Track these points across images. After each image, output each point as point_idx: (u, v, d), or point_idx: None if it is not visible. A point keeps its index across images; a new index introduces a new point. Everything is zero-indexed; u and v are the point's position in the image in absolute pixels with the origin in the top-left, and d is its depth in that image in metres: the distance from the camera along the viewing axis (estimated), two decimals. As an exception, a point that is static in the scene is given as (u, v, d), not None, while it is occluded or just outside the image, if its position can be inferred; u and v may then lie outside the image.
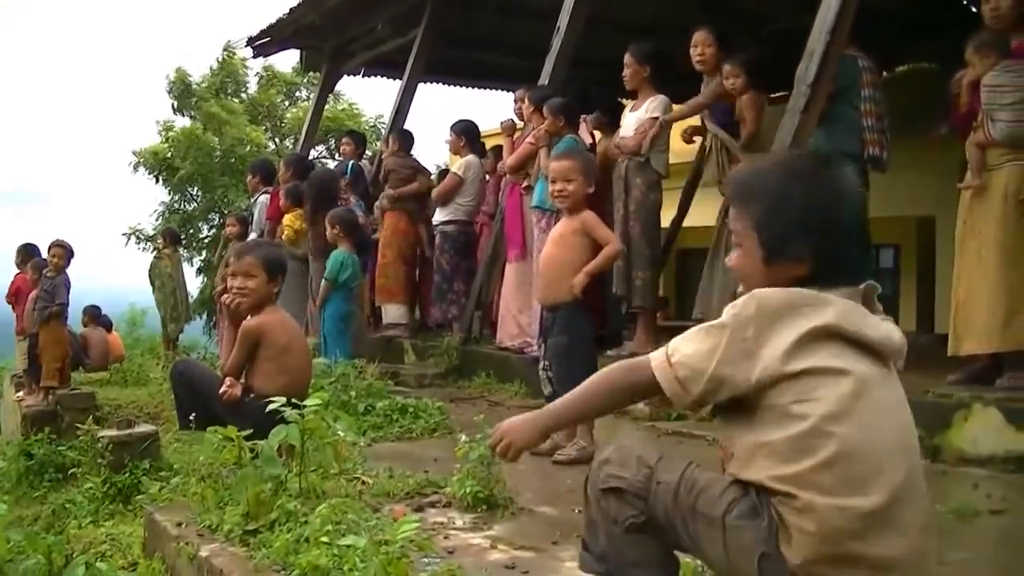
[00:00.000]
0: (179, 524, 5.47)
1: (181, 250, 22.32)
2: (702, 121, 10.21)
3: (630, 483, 3.21)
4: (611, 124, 11.15)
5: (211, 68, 34.68)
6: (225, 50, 34.40)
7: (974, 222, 7.51)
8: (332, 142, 32.66)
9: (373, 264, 13.84)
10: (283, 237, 13.11)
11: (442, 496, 5.85)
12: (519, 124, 11.91)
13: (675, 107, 10.22)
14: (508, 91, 14.63)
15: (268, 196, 15.01)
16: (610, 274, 9.47)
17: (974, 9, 11.05)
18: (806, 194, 3.08)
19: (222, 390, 6.66)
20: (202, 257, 33.25)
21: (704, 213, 12.04)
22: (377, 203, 14.01)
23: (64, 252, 13.14)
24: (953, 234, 7.72)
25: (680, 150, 10.66)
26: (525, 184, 10.96)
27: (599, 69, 14.04)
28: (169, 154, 32.35)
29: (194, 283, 31.11)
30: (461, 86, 19.47)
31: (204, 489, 5.67)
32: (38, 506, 9.00)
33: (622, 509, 3.22)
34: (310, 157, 20.30)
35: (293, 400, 5.40)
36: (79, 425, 8.59)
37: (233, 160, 31.94)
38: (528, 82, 11.69)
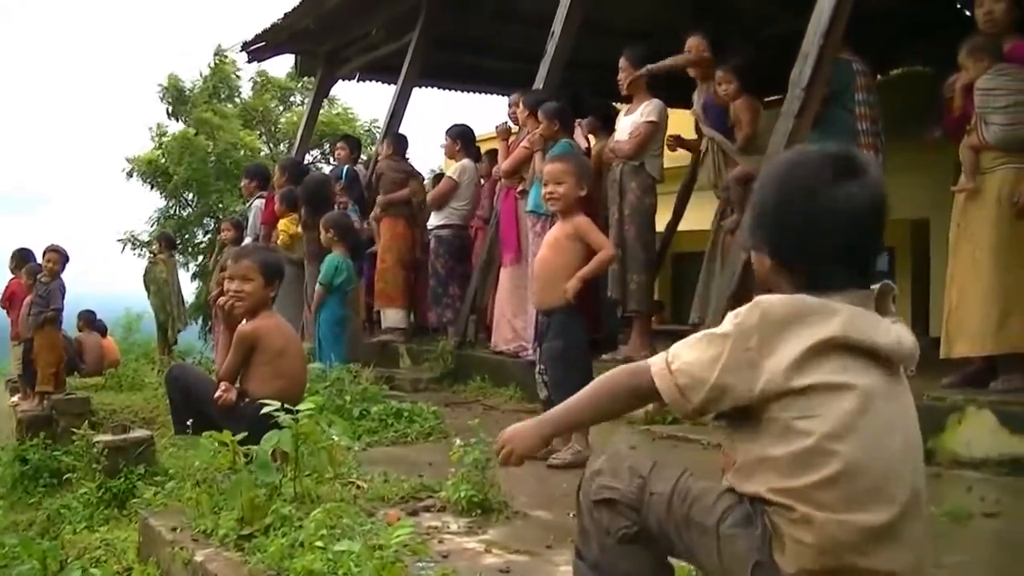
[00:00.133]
0: (174, 529, 5.46)
1: (177, 255, 22.31)
2: (696, 126, 10.20)
3: (623, 494, 3.19)
4: (604, 128, 11.16)
5: (202, 74, 34.67)
6: (217, 55, 34.39)
7: (968, 225, 7.52)
8: (327, 147, 32.65)
9: (368, 268, 13.86)
10: (278, 242, 13.11)
11: (437, 500, 5.85)
12: (514, 128, 11.92)
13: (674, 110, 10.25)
14: (503, 95, 14.67)
15: (263, 201, 15.02)
16: (605, 278, 9.48)
17: (968, 13, 11.05)
18: (805, 197, 3.02)
19: (216, 395, 6.66)
20: (198, 262, 33.20)
21: (699, 217, 12.05)
22: (372, 214, 14.01)
23: (59, 257, 13.15)
24: (947, 237, 7.73)
25: (675, 154, 10.66)
26: (520, 188, 10.97)
27: (593, 73, 14.05)
28: (163, 160, 32.30)
29: (189, 288, 31.13)
30: (456, 90, 19.49)
31: (199, 494, 5.66)
32: (33, 511, 9.00)
33: (615, 520, 3.20)
34: (305, 162, 20.30)
35: (287, 405, 5.39)
36: (74, 430, 8.59)
37: (228, 164, 31.90)
38: (523, 86, 11.71)
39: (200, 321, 29.76)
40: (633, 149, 9.77)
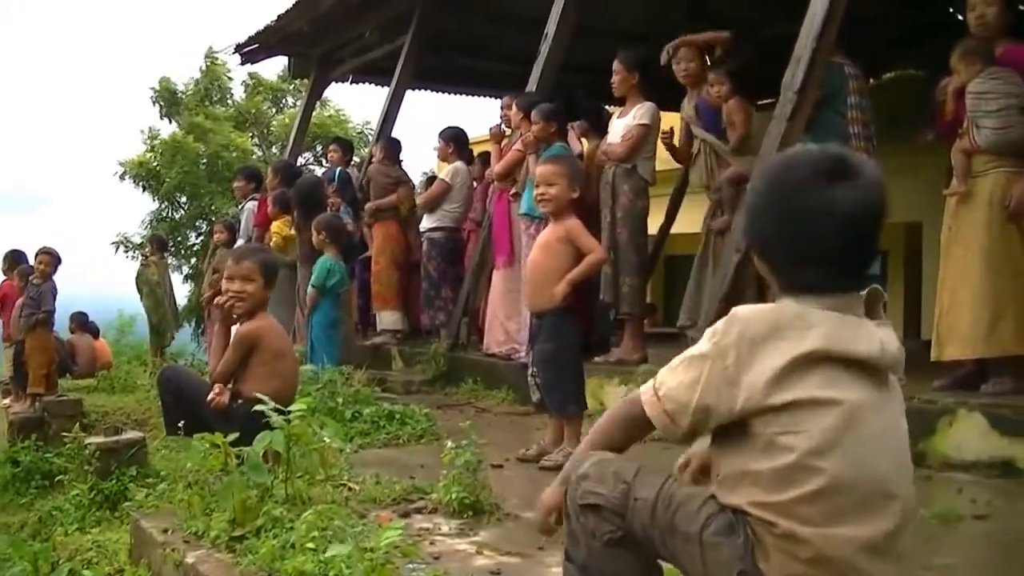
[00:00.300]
0: (165, 531, 5.47)
1: (170, 258, 22.32)
2: (686, 127, 10.19)
3: (607, 500, 3.19)
4: (596, 130, 11.16)
5: (193, 79, 34.67)
6: (207, 57, 34.40)
7: (959, 228, 7.53)
8: (319, 149, 32.66)
9: (360, 271, 13.88)
10: (271, 243, 13.10)
11: (428, 502, 5.85)
12: (507, 131, 11.92)
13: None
14: (496, 98, 14.65)
15: (256, 203, 15.03)
16: (597, 280, 9.48)
17: (960, 16, 11.07)
18: (793, 198, 3.00)
19: (210, 397, 6.66)
20: (190, 264, 33.22)
21: (692, 219, 12.06)
22: (364, 220, 14.02)
23: (51, 259, 13.15)
24: (940, 240, 7.74)
25: (667, 157, 10.67)
26: (513, 191, 10.97)
27: (587, 75, 14.05)
28: (155, 163, 32.29)
29: (182, 290, 31.12)
30: (449, 93, 19.49)
31: (190, 496, 5.67)
32: (24, 513, 9.00)
33: (600, 525, 3.20)
34: (298, 164, 20.30)
35: (279, 407, 5.40)
36: (66, 432, 8.61)
37: (220, 166, 31.89)
38: (516, 88, 11.71)
39: (193, 323, 29.73)
40: (626, 152, 9.76)
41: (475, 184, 13.44)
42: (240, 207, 16.25)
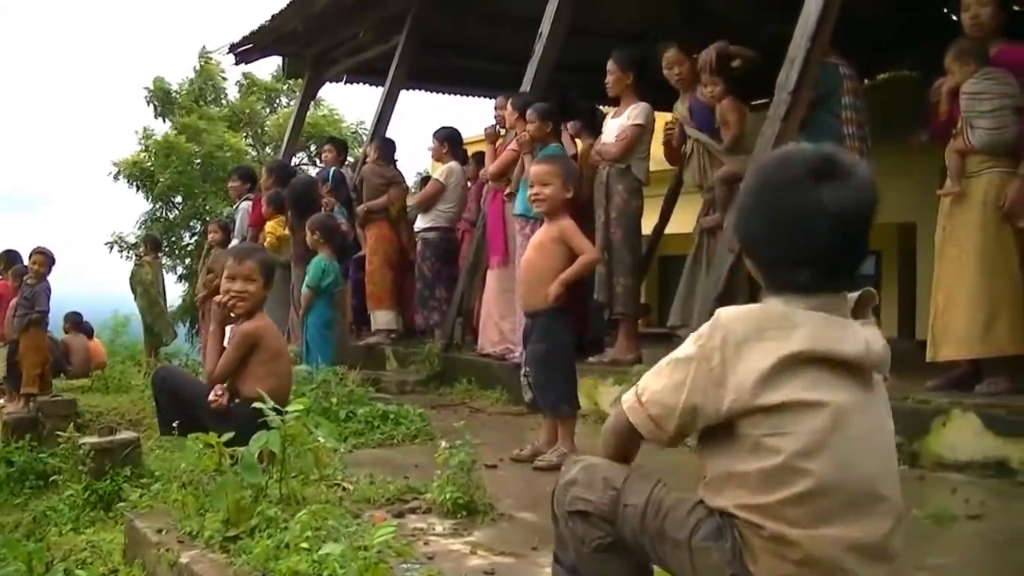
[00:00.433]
0: (159, 531, 5.46)
1: (164, 258, 22.31)
2: (679, 127, 10.18)
3: (596, 506, 3.21)
4: (590, 130, 11.16)
5: (188, 79, 34.64)
6: (201, 56, 34.37)
7: (954, 228, 7.54)
8: (313, 149, 32.64)
9: (354, 271, 13.87)
10: (265, 244, 13.09)
11: (422, 502, 5.85)
12: (501, 131, 11.92)
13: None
14: (490, 97, 14.65)
15: (250, 203, 15.03)
16: (591, 280, 9.48)
17: (954, 17, 11.07)
18: (781, 199, 3.01)
19: (211, 397, 6.67)
20: (185, 264, 33.18)
21: (686, 220, 12.05)
22: (357, 221, 14.01)
23: (45, 259, 13.12)
24: (934, 240, 7.74)
25: (662, 157, 10.67)
26: (507, 191, 10.97)
27: (581, 75, 14.06)
28: (148, 163, 32.26)
29: (177, 291, 31.09)
30: (443, 93, 19.47)
31: (185, 496, 5.66)
32: (19, 513, 8.98)
33: (589, 531, 3.22)
34: (292, 164, 20.29)
35: (277, 405, 5.40)
36: (60, 432, 8.58)
37: (213, 167, 31.85)
38: (510, 88, 11.70)
39: (187, 324, 29.70)
40: (620, 152, 9.77)
41: (469, 184, 13.43)
42: (235, 207, 16.27)
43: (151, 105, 33.53)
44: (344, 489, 6.12)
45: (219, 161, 31.63)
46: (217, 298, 7.25)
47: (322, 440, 5.54)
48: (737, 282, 8.34)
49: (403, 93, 16.50)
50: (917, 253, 16.43)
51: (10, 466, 10.19)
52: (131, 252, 30.35)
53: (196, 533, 5.21)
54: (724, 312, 3.03)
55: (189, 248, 33.28)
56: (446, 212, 13.12)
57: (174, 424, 6.57)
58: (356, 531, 4.60)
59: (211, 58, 33.51)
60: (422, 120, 19.07)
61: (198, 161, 32.12)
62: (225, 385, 6.77)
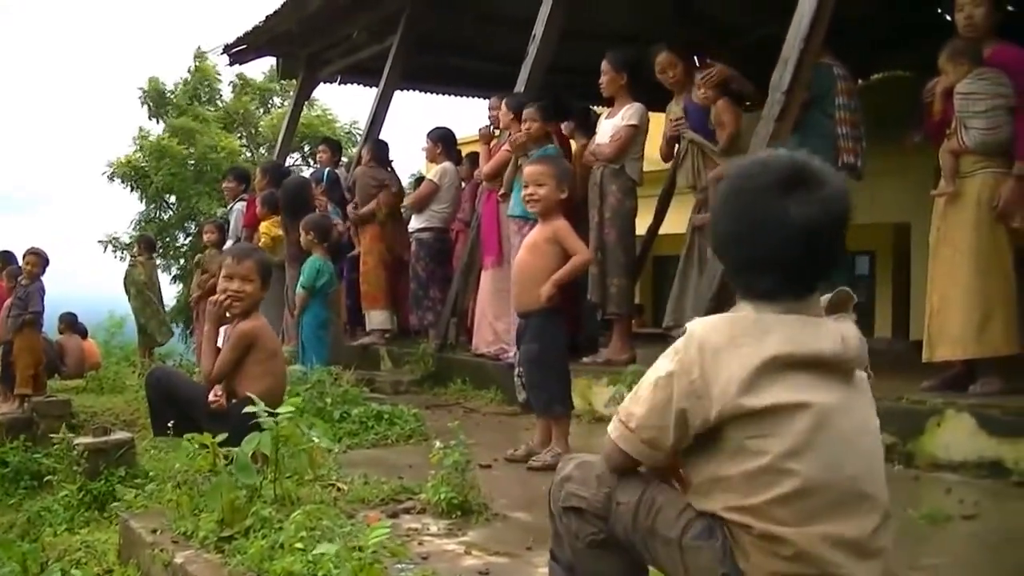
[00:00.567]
0: (154, 531, 5.46)
1: (158, 259, 22.30)
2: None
3: (590, 503, 3.23)
4: (584, 130, 11.17)
5: (183, 79, 34.62)
6: (197, 57, 34.35)
7: (948, 229, 7.54)
8: (307, 149, 32.64)
9: (348, 271, 13.88)
10: (260, 244, 13.08)
11: (417, 502, 5.86)
12: (495, 132, 11.93)
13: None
14: (484, 98, 14.64)
15: (244, 204, 15.04)
16: (584, 281, 9.48)
17: (948, 17, 11.08)
18: (748, 207, 3.04)
19: (210, 398, 6.67)
20: (179, 265, 33.17)
21: (680, 220, 12.05)
22: (348, 221, 14.00)
23: (38, 260, 13.11)
24: (928, 240, 7.75)
25: (655, 158, 10.67)
26: (502, 191, 10.96)
27: (575, 76, 14.05)
28: (143, 163, 32.23)
29: (171, 291, 31.07)
30: (437, 93, 19.44)
31: (179, 496, 5.67)
32: (13, 513, 8.97)
33: (583, 527, 3.25)
34: (286, 164, 20.28)
35: (272, 407, 5.40)
36: (54, 432, 8.58)
37: (207, 168, 31.83)
38: (504, 89, 11.68)
39: (182, 324, 29.67)
40: (614, 152, 9.77)
41: (463, 184, 13.43)
42: (229, 208, 16.28)
43: (145, 106, 33.51)
44: (338, 489, 6.12)
45: (213, 162, 31.60)
46: (213, 298, 7.25)
47: (316, 440, 5.54)
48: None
49: (397, 93, 16.49)
50: (911, 253, 16.45)
51: (4, 466, 10.18)
52: (125, 252, 30.34)
53: (191, 533, 5.22)
54: (695, 325, 3.05)
55: (183, 249, 33.26)
56: (440, 212, 13.12)
57: (169, 425, 6.56)
58: (350, 531, 4.61)
59: (207, 58, 33.51)
60: (416, 120, 19.05)
61: (191, 163, 32.10)
62: (222, 385, 6.78)
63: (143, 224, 32.68)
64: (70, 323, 17.49)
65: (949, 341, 7.45)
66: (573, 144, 11.17)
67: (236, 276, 6.98)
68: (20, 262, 13.62)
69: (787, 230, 2.96)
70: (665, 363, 3.04)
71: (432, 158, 13.79)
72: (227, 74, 35.03)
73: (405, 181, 16.39)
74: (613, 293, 9.85)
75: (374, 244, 13.60)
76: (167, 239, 32.97)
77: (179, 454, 5.89)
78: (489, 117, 12.16)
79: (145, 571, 5.36)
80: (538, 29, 11.60)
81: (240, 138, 34.57)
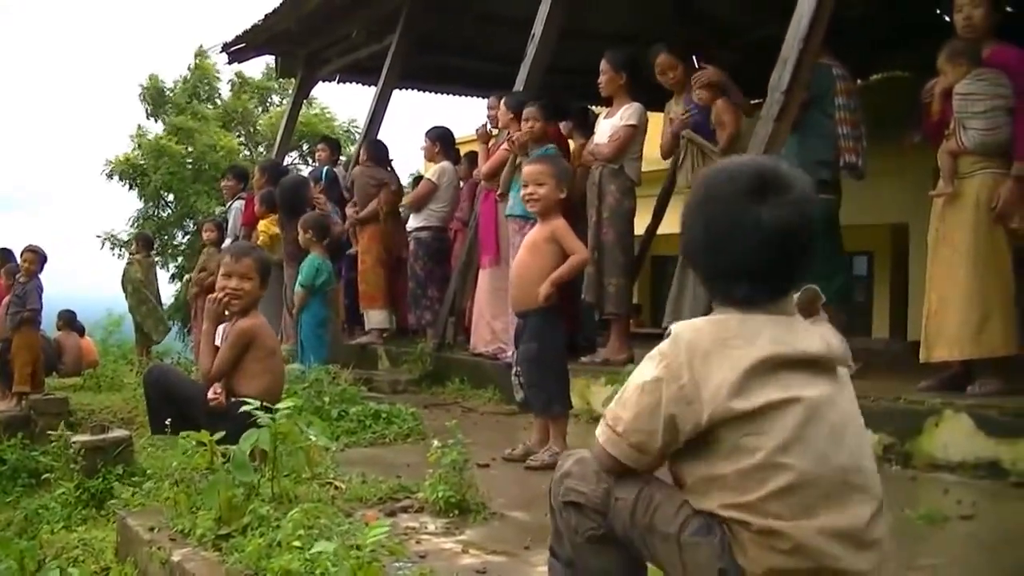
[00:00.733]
0: (151, 529, 5.46)
1: (155, 256, 22.28)
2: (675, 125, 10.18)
3: (588, 498, 3.23)
4: (582, 130, 11.17)
5: (182, 77, 34.63)
6: (197, 55, 34.36)
7: (946, 229, 7.54)
8: (305, 147, 32.66)
9: (346, 270, 13.88)
10: (258, 242, 13.08)
11: (415, 501, 5.85)
12: (494, 131, 11.93)
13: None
14: (483, 97, 14.63)
15: (243, 202, 15.05)
16: (581, 280, 9.47)
17: (947, 18, 11.08)
18: (719, 216, 3.08)
19: (210, 396, 6.67)
20: (177, 263, 33.18)
21: (678, 220, 12.08)
22: (347, 222, 13.98)
23: (36, 257, 13.11)
24: (926, 241, 7.75)
25: (654, 157, 10.67)
26: (499, 191, 10.96)
27: (573, 76, 14.06)
28: (141, 162, 32.24)
29: (168, 289, 31.06)
30: (436, 92, 19.44)
31: (177, 494, 5.66)
32: (10, 511, 8.96)
33: (582, 522, 3.25)
34: (284, 163, 20.28)
35: (271, 403, 5.40)
36: (52, 430, 8.57)
37: (205, 167, 31.86)
38: (503, 89, 11.68)
39: (179, 322, 29.68)
40: (613, 152, 9.77)
41: (462, 184, 13.44)
42: (228, 206, 16.29)
43: (144, 104, 33.53)
44: (336, 488, 6.12)
45: (211, 160, 31.62)
46: (212, 296, 7.26)
47: (314, 439, 5.54)
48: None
49: (396, 92, 16.50)
50: (910, 254, 16.46)
51: (2, 464, 10.18)
52: (123, 250, 30.35)
53: (188, 531, 5.22)
54: (682, 328, 3.06)
55: (181, 247, 33.28)
56: (438, 212, 13.11)
57: (166, 422, 6.56)
58: (348, 530, 4.61)
59: (207, 56, 33.52)
60: (415, 119, 19.05)
61: (190, 161, 32.11)
62: (221, 383, 6.78)
63: (141, 221, 32.70)
64: (68, 320, 17.48)
65: (946, 341, 7.45)
66: (572, 144, 11.17)
67: (234, 274, 6.99)
68: (18, 260, 13.63)
69: (762, 235, 3.01)
70: (651, 367, 3.06)
71: (430, 157, 13.78)
72: (226, 72, 35.10)
73: (404, 180, 16.39)
74: (611, 293, 9.85)
75: (372, 243, 13.59)
76: (165, 237, 33.00)
77: (177, 452, 5.89)
78: (488, 116, 12.15)
79: (142, 569, 5.36)
80: (537, 28, 11.60)
81: (239, 137, 34.59)
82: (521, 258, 7.34)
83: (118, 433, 7.46)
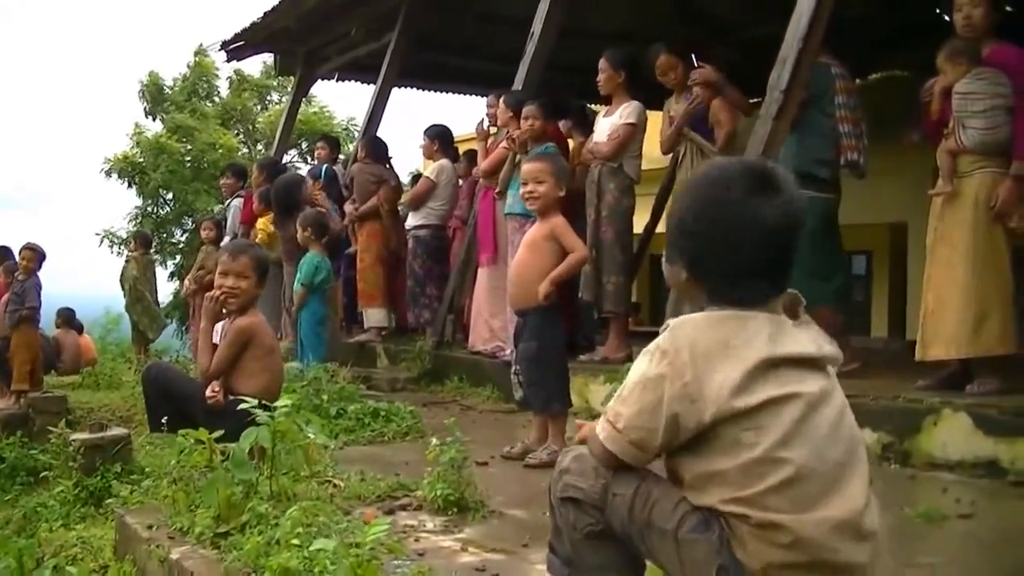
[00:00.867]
0: (150, 527, 5.46)
1: (156, 255, 22.28)
2: (670, 125, 10.17)
3: (587, 494, 3.24)
4: (582, 128, 11.17)
5: (182, 74, 34.62)
6: (197, 54, 34.36)
7: (945, 229, 7.54)
8: (304, 146, 32.66)
9: (345, 268, 13.88)
10: (257, 240, 13.08)
11: (413, 499, 5.85)
12: (492, 129, 11.93)
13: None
14: (482, 96, 14.63)
15: (242, 200, 15.05)
16: (579, 279, 9.47)
17: (946, 17, 11.08)
18: (719, 213, 3.08)
19: (208, 394, 6.68)
20: (176, 261, 33.17)
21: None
22: (346, 219, 13.97)
23: (34, 255, 13.10)
24: (925, 240, 7.76)
25: (654, 156, 10.67)
26: (498, 189, 10.96)
27: (573, 74, 14.06)
28: (140, 159, 32.24)
29: (167, 288, 31.05)
30: (435, 91, 19.46)
31: (175, 492, 5.66)
32: (9, 509, 8.96)
33: (580, 517, 3.26)
34: (283, 161, 20.28)
35: (270, 401, 5.40)
36: (51, 428, 8.57)
37: (205, 165, 31.86)
38: (502, 87, 11.67)
39: (177, 320, 29.69)
40: (612, 151, 9.77)
41: (461, 182, 13.44)
42: (226, 204, 16.29)
43: (143, 101, 33.52)
44: (335, 486, 6.12)
45: (211, 159, 31.63)
46: (209, 294, 7.26)
47: (312, 437, 5.54)
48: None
49: (395, 90, 16.50)
50: (908, 253, 16.47)
51: (1, 462, 10.17)
52: (122, 248, 30.34)
53: (187, 529, 5.21)
54: (681, 325, 3.08)
55: (180, 245, 33.28)
56: (437, 210, 13.11)
57: (163, 420, 6.56)
58: (347, 528, 4.60)
59: (206, 54, 33.52)
60: (414, 118, 19.06)
61: (189, 160, 32.12)
62: (219, 381, 6.78)
63: (140, 218, 32.68)
64: (67, 319, 17.48)
65: (943, 340, 7.45)
66: (571, 143, 11.17)
67: (231, 272, 6.99)
68: (17, 258, 13.62)
69: (765, 234, 3.04)
70: (652, 363, 3.06)
71: (429, 155, 13.77)
72: (225, 70, 35.10)
73: (404, 178, 16.40)
74: (610, 291, 9.85)
75: (372, 241, 13.59)
76: (164, 235, 32.98)
77: (175, 450, 5.89)
78: (487, 115, 12.14)
79: (141, 567, 5.36)
80: (536, 27, 11.61)
81: (238, 134, 34.58)
82: (520, 256, 7.34)
83: (117, 431, 7.46)
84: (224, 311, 7.07)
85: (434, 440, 5.77)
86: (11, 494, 9.64)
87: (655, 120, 10.27)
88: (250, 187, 15.18)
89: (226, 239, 14.97)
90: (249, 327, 6.88)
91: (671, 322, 3.09)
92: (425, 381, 11.58)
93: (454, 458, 5.59)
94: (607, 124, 10.00)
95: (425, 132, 13.51)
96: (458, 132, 14.36)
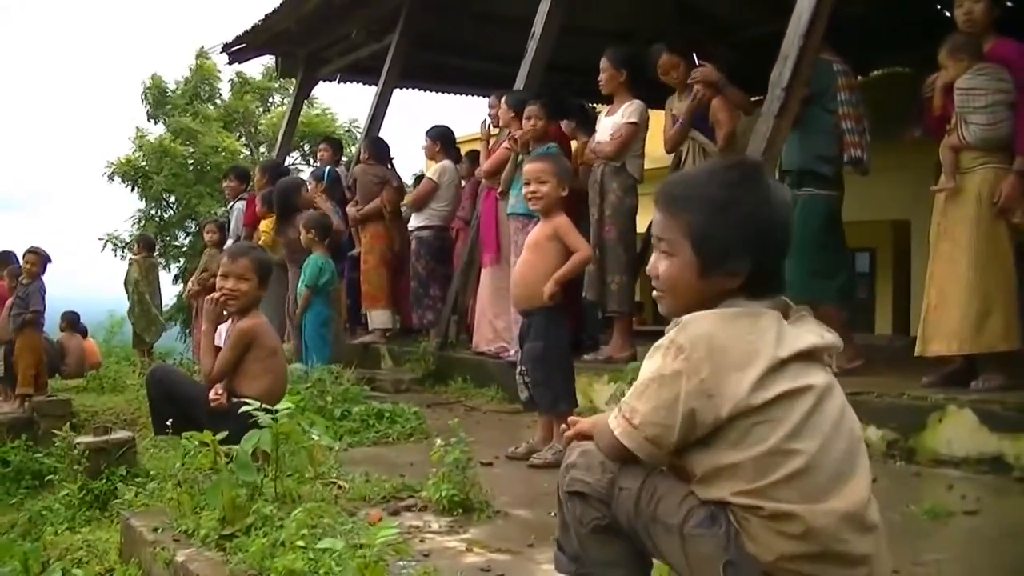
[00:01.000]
0: (155, 529, 5.46)
1: (159, 258, 22.28)
2: (672, 123, 10.16)
3: (593, 488, 3.23)
4: (584, 128, 11.17)
5: (184, 77, 34.65)
6: (199, 56, 34.38)
7: (947, 225, 7.54)
8: (306, 148, 32.67)
9: (348, 270, 13.88)
10: (260, 242, 13.09)
11: (418, 500, 5.85)
12: (494, 130, 11.93)
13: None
14: (484, 96, 14.63)
15: (244, 203, 15.06)
16: (582, 278, 9.47)
17: (947, 13, 11.07)
18: (748, 204, 3.07)
19: (211, 397, 6.67)
20: (179, 264, 33.19)
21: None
22: (350, 220, 13.97)
23: (38, 259, 13.09)
24: (928, 237, 7.75)
25: (656, 155, 10.66)
26: (500, 190, 10.96)
27: (574, 74, 14.06)
28: (143, 162, 32.26)
29: (170, 291, 31.06)
30: (436, 92, 19.46)
31: (180, 494, 5.66)
32: (14, 513, 8.97)
33: (587, 512, 3.26)
34: (286, 163, 20.29)
35: (273, 403, 5.40)
36: (55, 432, 8.59)
37: (207, 168, 31.88)
38: (503, 87, 11.67)
39: (180, 323, 29.71)
40: (615, 150, 9.76)
41: (463, 182, 13.44)
42: (229, 207, 16.30)
43: (145, 104, 33.55)
44: (339, 487, 6.12)
45: (214, 162, 31.64)
46: (211, 296, 7.26)
47: (317, 438, 5.54)
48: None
49: (396, 92, 16.52)
50: (911, 250, 16.47)
51: (6, 466, 10.20)
52: (126, 251, 30.37)
53: (192, 532, 5.22)
54: (695, 320, 3.04)
55: (183, 249, 33.29)
56: (440, 211, 13.12)
57: (168, 423, 6.57)
58: (352, 529, 4.60)
59: (208, 57, 33.55)
60: (415, 119, 19.06)
61: (192, 163, 32.13)
62: (223, 384, 6.79)
63: (143, 222, 32.71)
64: (71, 322, 17.46)
65: (945, 335, 7.44)
66: (573, 143, 11.16)
67: (231, 275, 6.99)
68: (20, 262, 13.62)
69: (779, 231, 3.12)
70: (666, 359, 3.02)
71: (431, 156, 13.78)
72: (227, 73, 35.14)
73: (407, 179, 16.41)
74: (614, 291, 9.85)
75: (375, 243, 13.60)
76: (167, 238, 33.01)
77: (179, 453, 5.89)
78: (489, 115, 12.14)
79: (146, 570, 5.36)
80: (537, 26, 11.61)
81: (240, 137, 34.61)
82: (524, 257, 7.34)
83: (121, 434, 7.47)
84: (225, 313, 7.07)
85: (439, 441, 5.77)
86: (16, 498, 9.67)
87: (657, 119, 10.26)
88: (253, 190, 15.19)
89: (229, 241, 14.98)
90: (251, 329, 6.88)
91: (685, 318, 3.06)
92: (429, 382, 11.58)
93: (459, 459, 5.58)
94: (609, 123, 9.99)
95: (427, 133, 13.52)
96: (460, 133, 14.33)
